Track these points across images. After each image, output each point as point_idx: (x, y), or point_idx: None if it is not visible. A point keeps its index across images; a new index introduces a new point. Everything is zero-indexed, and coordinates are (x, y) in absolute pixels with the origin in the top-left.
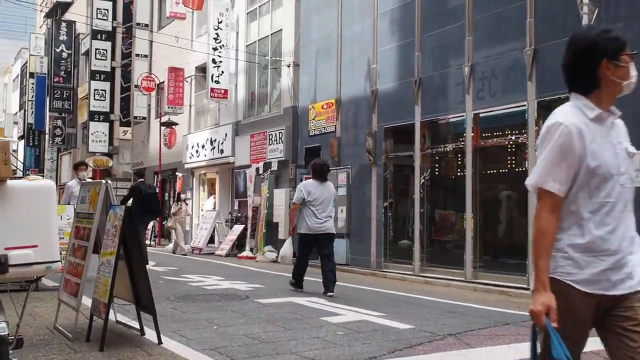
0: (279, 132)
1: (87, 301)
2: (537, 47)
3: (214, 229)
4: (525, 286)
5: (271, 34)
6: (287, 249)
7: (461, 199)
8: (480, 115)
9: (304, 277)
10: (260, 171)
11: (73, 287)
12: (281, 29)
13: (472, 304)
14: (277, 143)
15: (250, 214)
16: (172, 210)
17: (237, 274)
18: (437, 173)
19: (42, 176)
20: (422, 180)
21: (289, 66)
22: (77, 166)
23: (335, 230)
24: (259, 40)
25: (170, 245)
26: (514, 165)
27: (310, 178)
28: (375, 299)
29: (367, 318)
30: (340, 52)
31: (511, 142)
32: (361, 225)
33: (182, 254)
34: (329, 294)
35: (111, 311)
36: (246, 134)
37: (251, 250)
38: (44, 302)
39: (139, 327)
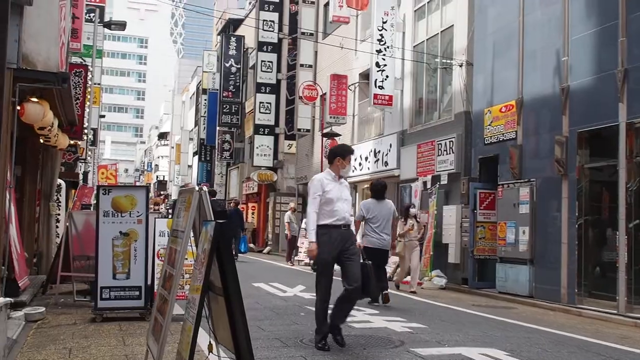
0: (449, 141)
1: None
2: None
3: None
4: None
5: (441, 32)
6: None
7: None
8: None
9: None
10: (428, 185)
11: (158, 330)
12: (452, 25)
13: None
14: (447, 153)
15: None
16: (399, 231)
17: (396, 306)
18: None
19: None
20: (629, 196)
21: (461, 66)
22: (334, 156)
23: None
24: (427, 39)
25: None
26: None
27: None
28: (577, 354)
29: None
30: (522, 44)
31: None
32: (548, 249)
33: (411, 291)
34: (375, 303)
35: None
36: (412, 144)
37: None
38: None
39: None
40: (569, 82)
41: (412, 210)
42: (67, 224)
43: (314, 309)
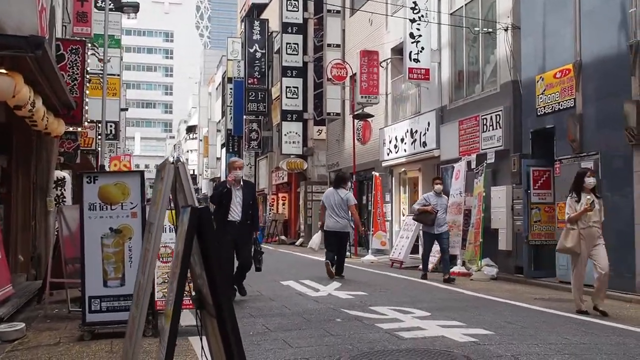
0: (496, 115)
1: None
2: None
3: (417, 238)
4: None
5: None
6: (317, 238)
7: None
8: None
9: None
10: (473, 165)
11: None
12: None
13: None
14: (493, 129)
15: (461, 219)
16: (567, 212)
17: (448, 305)
18: None
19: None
20: None
21: (506, 30)
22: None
23: (349, 229)
24: (465, 4)
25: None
26: None
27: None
28: None
29: None
30: None
31: None
32: (619, 232)
33: (600, 310)
34: (336, 276)
35: None
36: (453, 120)
37: (464, 264)
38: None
39: None
40: (638, 37)
41: (589, 181)
42: (57, 221)
43: (351, 312)
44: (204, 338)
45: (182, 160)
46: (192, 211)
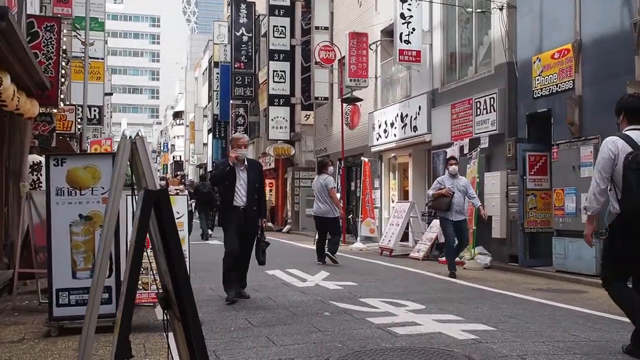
0: (490, 98)
1: None
2: None
3: (407, 225)
4: None
5: None
6: None
7: None
8: None
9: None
10: (466, 150)
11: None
12: None
13: None
14: (487, 112)
15: None
16: None
17: (443, 296)
18: None
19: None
20: None
21: (501, 9)
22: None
23: (333, 214)
24: None
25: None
26: None
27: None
28: None
29: None
30: None
31: None
32: None
33: None
34: (326, 257)
35: None
36: (445, 104)
37: None
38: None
39: None
40: None
41: None
42: (26, 207)
43: (340, 305)
44: (172, 340)
45: (140, 134)
46: (147, 195)
